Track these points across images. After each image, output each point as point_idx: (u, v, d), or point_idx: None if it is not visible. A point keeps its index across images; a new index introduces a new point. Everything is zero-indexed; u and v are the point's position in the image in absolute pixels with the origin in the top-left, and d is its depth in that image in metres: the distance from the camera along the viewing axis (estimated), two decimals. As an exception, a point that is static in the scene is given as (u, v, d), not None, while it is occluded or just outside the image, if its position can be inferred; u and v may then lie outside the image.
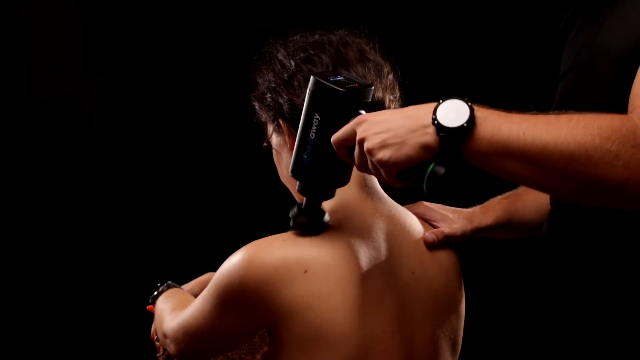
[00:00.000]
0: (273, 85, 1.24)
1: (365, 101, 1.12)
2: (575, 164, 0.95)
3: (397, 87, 1.26)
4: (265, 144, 1.32)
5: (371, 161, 1.04)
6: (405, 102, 1.25)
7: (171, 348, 1.31)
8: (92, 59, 2.65)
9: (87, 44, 2.64)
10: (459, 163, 1.01)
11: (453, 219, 1.35)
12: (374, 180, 1.26)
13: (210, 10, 2.63)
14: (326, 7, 2.59)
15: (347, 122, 1.08)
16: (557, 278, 1.25)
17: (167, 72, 2.64)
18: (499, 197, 1.44)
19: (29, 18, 2.56)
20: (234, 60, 2.01)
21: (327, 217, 1.18)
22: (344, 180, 1.17)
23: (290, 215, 1.17)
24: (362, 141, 1.04)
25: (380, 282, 1.18)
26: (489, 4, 2.57)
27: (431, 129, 1.00)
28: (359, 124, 1.05)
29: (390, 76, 1.24)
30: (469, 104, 1.00)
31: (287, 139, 1.24)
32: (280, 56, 1.25)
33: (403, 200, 1.32)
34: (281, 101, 1.22)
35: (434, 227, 1.33)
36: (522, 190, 1.44)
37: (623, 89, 1.10)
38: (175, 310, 1.35)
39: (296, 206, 1.17)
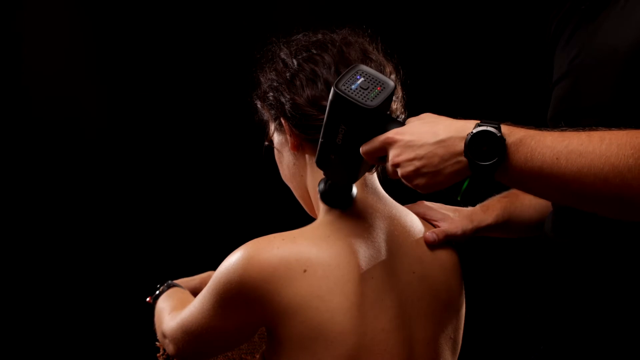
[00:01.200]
0: (275, 84, 1.24)
1: (391, 101, 1.13)
2: (611, 187, 0.95)
3: (399, 87, 1.26)
4: (266, 143, 1.32)
5: (407, 184, 1.06)
6: (407, 102, 1.26)
7: (170, 348, 1.30)
8: (92, 59, 2.64)
9: (88, 44, 2.64)
10: (493, 183, 1.03)
11: (453, 218, 1.35)
12: (375, 180, 1.26)
13: (212, 9, 2.63)
14: (329, 6, 2.59)
15: (375, 130, 1.08)
16: (562, 278, 1.25)
17: (168, 72, 2.64)
18: (498, 196, 1.44)
19: (29, 18, 2.56)
20: (237, 59, 2.01)
21: (355, 191, 1.20)
22: (369, 169, 1.20)
23: (319, 190, 1.20)
24: (395, 166, 1.06)
25: (380, 281, 1.18)
26: (489, 4, 2.57)
27: (463, 159, 1.01)
28: (390, 144, 1.06)
29: (393, 76, 1.24)
30: (500, 133, 1.00)
31: (288, 137, 1.24)
32: (282, 55, 1.25)
33: (403, 200, 1.32)
34: (283, 100, 1.22)
35: (435, 226, 1.33)
36: (521, 189, 1.44)
37: (628, 90, 1.10)
38: (174, 311, 1.35)
39: (323, 181, 1.20)
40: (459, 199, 1.05)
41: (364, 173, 1.19)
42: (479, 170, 1.01)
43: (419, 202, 1.39)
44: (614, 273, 1.17)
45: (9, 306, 2.59)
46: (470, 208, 1.40)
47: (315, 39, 1.25)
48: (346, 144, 1.10)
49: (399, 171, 1.05)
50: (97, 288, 2.64)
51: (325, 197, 1.20)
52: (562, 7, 1.34)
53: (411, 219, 1.28)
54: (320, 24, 1.30)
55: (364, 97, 1.07)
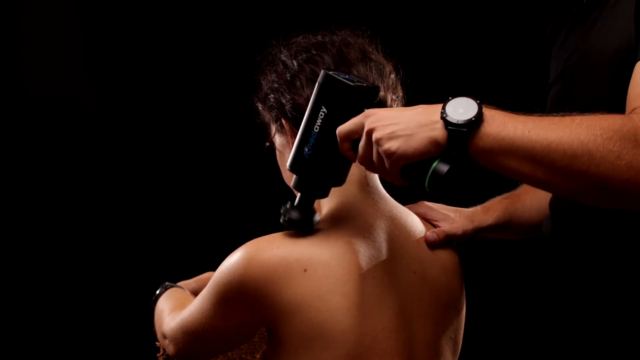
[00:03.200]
0: (276, 85, 1.24)
1: (372, 101, 1.13)
2: (579, 163, 0.96)
3: (399, 87, 1.26)
4: (267, 144, 1.32)
5: (377, 152, 1.04)
6: (407, 102, 1.26)
7: (170, 349, 1.30)
8: (92, 59, 2.65)
9: (88, 44, 2.64)
10: (463, 161, 1.02)
11: (454, 219, 1.35)
12: (376, 180, 1.26)
13: (212, 12, 2.63)
14: (329, 9, 2.59)
15: (352, 117, 1.08)
16: (559, 279, 1.25)
17: (169, 74, 2.64)
18: (499, 197, 1.45)
19: (29, 18, 2.56)
20: (237, 61, 2.01)
21: (317, 217, 1.18)
22: (341, 180, 1.17)
23: (281, 211, 1.18)
24: (370, 131, 1.05)
25: (380, 281, 1.18)
26: (487, 7, 2.58)
27: (440, 124, 1.02)
28: (368, 116, 1.06)
29: (393, 76, 1.25)
30: (478, 101, 1.02)
31: (289, 139, 1.24)
32: (283, 57, 1.25)
33: (404, 200, 1.32)
34: (284, 101, 1.22)
35: (435, 226, 1.33)
36: (523, 190, 1.44)
37: (617, 89, 1.11)
38: (174, 311, 1.35)
39: (289, 202, 1.18)
40: (426, 184, 1.03)
41: (335, 182, 1.16)
42: (454, 133, 1.01)
43: (419, 203, 1.39)
44: (610, 274, 1.18)
45: (9, 306, 2.59)
46: (471, 208, 1.40)
47: (314, 40, 1.26)
48: (323, 130, 1.11)
49: (374, 135, 1.04)
50: (97, 288, 2.64)
51: (286, 217, 1.16)
52: (557, 11, 1.35)
53: (412, 219, 1.28)
54: (319, 26, 1.30)
55: (349, 80, 1.11)
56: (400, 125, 1.03)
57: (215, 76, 2.64)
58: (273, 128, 1.29)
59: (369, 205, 1.23)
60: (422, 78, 1.57)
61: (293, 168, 1.14)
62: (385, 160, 1.04)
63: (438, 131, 1.02)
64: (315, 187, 1.16)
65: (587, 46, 1.20)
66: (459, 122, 1.00)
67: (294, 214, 1.16)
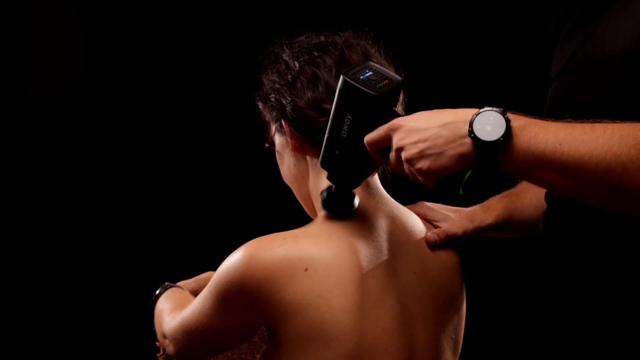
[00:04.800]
0: (277, 85, 1.24)
1: (397, 98, 1.14)
2: (612, 176, 0.96)
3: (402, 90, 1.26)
4: (267, 144, 1.32)
5: (409, 169, 1.06)
6: (408, 105, 1.26)
7: (170, 348, 1.30)
8: (92, 59, 2.64)
9: (88, 44, 2.64)
10: (494, 170, 1.03)
11: (454, 219, 1.35)
12: (376, 180, 1.27)
13: (214, 10, 2.63)
14: (332, 8, 2.59)
15: (380, 122, 1.09)
16: (553, 277, 1.25)
17: (170, 73, 2.64)
18: (498, 196, 1.44)
19: (29, 18, 2.56)
20: (239, 60, 2.01)
21: (357, 201, 1.19)
22: (373, 171, 1.20)
23: (321, 198, 1.19)
24: (399, 150, 1.05)
25: (381, 281, 1.18)
26: (491, 8, 2.57)
27: (468, 141, 1.01)
28: (395, 130, 1.06)
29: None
30: (506, 115, 1.01)
31: (289, 139, 1.25)
32: (285, 57, 1.25)
33: (404, 201, 1.32)
34: (284, 102, 1.22)
35: (436, 227, 1.33)
36: (521, 188, 1.44)
37: (622, 90, 1.10)
38: (174, 311, 1.35)
39: (326, 190, 1.19)
40: (461, 191, 1.04)
41: (368, 174, 1.19)
42: (483, 150, 1.00)
43: (419, 203, 1.39)
44: (604, 271, 1.17)
45: (9, 306, 2.59)
46: (470, 208, 1.40)
47: (317, 41, 1.26)
48: (351, 136, 1.11)
49: (403, 154, 1.05)
50: (97, 288, 2.64)
51: (327, 205, 1.19)
52: (562, 5, 1.34)
53: (412, 219, 1.28)
54: (323, 25, 1.30)
55: (371, 86, 1.09)
56: (428, 142, 1.03)
57: (216, 76, 2.64)
58: (273, 128, 1.29)
59: (370, 206, 1.23)
60: (423, 81, 1.57)
61: (325, 165, 1.15)
62: (419, 176, 1.05)
63: (467, 147, 1.01)
64: (349, 182, 1.17)
65: (594, 44, 1.20)
66: (488, 142, 1.00)
67: (331, 202, 1.18)
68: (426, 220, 1.34)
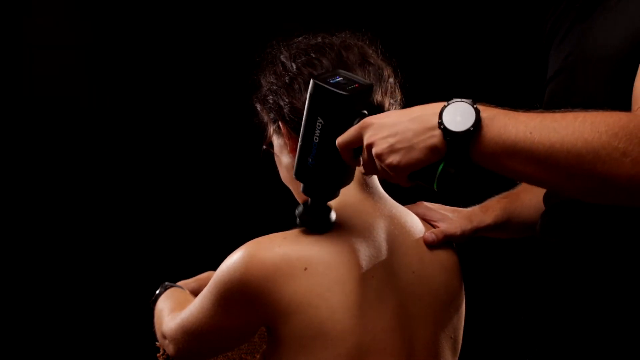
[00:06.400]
0: (274, 87, 1.24)
1: (368, 101, 1.13)
2: (584, 162, 0.95)
3: (397, 91, 1.26)
4: (265, 145, 1.32)
5: (380, 165, 1.04)
6: (406, 105, 1.26)
7: (170, 349, 1.30)
8: (92, 59, 2.64)
9: (88, 44, 2.64)
10: (468, 163, 1.01)
11: (453, 219, 1.35)
12: (375, 180, 1.27)
13: (213, 11, 2.63)
14: (329, 9, 2.59)
15: (351, 124, 1.08)
16: (550, 278, 1.25)
17: (169, 73, 2.64)
18: (497, 197, 1.44)
19: (29, 18, 2.56)
20: (237, 61, 2.01)
21: (333, 215, 1.18)
22: (348, 180, 1.17)
23: (296, 214, 1.18)
24: (370, 146, 1.04)
25: (380, 281, 1.18)
26: (489, 8, 2.58)
27: (437, 132, 1.00)
28: (365, 127, 1.05)
29: (391, 79, 1.25)
30: (475, 105, 1.00)
31: (287, 141, 1.25)
32: (282, 58, 1.25)
33: (403, 201, 1.32)
34: (282, 104, 1.22)
35: (434, 227, 1.33)
36: (521, 189, 1.44)
37: (617, 89, 1.10)
38: (174, 311, 1.35)
39: (302, 205, 1.18)
40: (435, 187, 1.03)
41: (343, 184, 1.17)
42: (453, 141, 0.99)
43: (418, 203, 1.39)
44: (602, 271, 1.17)
45: (10, 306, 2.59)
46: (469, 208, 1.40)
47: (314, 42, 1.25)
48: (323, 140, 1.10)
49: (373, 150, 1.03)
50: (97, 288, 2.64)
51: (303, 219, 1.17)
52: (558, 7, 1.34)
53: (411, 219, 1.28)
54: (320, 26, 1.30)
55: (341, 87, 1.08)
56: (398, 136, 1.02)
57: (215, 76, 2.64)
58: (271, 129, 1.29)
59: (369, 205, 1.23)
60: (420, 81, 1.58)
61: (299, 177, 1.14)
62: (390, 172, 1.04)
63: (437, 139, 1.00)
64: (324, 192, 1.16)
65: (588, 44, 1.20)
66: (457, 132, 0.99)
67: (308, 217, 1.16)
68: (425, 220, 1.34)
